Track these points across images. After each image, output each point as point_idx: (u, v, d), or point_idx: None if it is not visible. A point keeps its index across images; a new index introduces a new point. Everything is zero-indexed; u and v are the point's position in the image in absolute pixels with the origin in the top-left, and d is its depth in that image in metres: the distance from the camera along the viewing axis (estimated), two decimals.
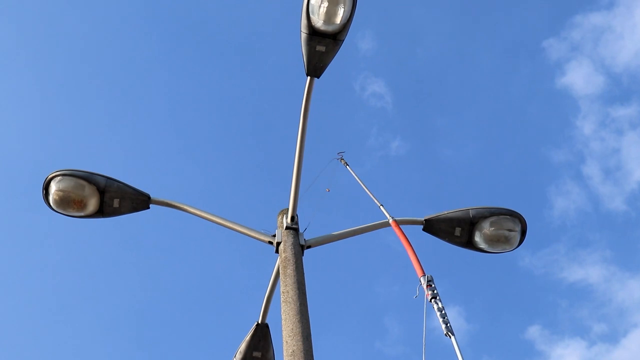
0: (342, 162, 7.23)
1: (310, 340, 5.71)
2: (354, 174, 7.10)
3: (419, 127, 23.30)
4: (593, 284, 23.19)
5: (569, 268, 23.15)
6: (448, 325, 5.19)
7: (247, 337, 7.29)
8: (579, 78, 23.05)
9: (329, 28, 6.24)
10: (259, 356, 7.32)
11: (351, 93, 22.80)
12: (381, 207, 6.67)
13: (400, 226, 6.41)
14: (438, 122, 23.22)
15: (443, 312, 5.28)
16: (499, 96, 23.50)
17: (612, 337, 23.41)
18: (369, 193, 6.86)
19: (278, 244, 6.53)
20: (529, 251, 21.93)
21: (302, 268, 6.31)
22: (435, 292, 5.41)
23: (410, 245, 6.06)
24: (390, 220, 6.48)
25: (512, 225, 7.15)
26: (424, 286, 5.48)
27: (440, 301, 5.33)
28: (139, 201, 7.09)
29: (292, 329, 5.75)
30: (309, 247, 6.60)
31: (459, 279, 21.26)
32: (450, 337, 5.13)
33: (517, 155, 23.05)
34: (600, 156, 22.98)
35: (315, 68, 6.47)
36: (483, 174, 22.56)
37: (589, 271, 23.27)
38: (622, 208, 22.80)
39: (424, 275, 5.60)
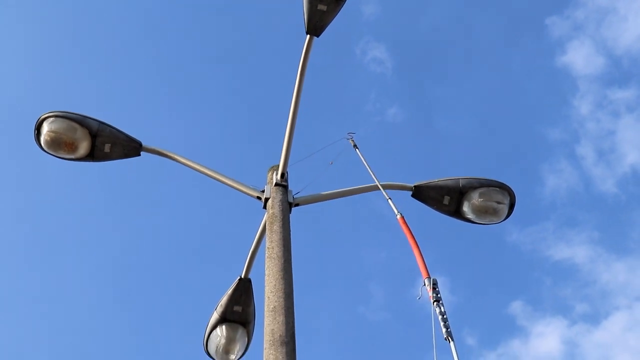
0: (352, 142, 7.17)
1: (292, 298, 5.73)
2: (362, 158, 7.03)
3: (418, 95, 23.25)
4: (579, 263, 23.32)
5: (556, 246, 23.26)
6: (449, 330, 5.21)
7: (229, 291, 7.31)
8: (580, 58, 23.00)
9: None
10: (240, 310, 7.35)
11: (352, 56, 22.71)
12: (389, 200, 6.59)
13: (406, 222, 6.34)
14: (436, 92, 23.18)
15: (445, 316, 5.29)
16: (498, 70, 23.47)
17: (594, 318, 23.57)
18: (376, 181, 6.79)
19: (266, 199, 6.53)
20: (517, 227, 22.01)
21: (289, 225, 6.31)
22: (438, 295, 5.41)
23: (417, 245, 6.01)
24: (398, 217, 6.43)
25: (501, 197, 7.17)
26: (428, 288, 5.47)
27: (443, 305, 5.34)
28: (130, 147, 7.07)
29: (274, 285, 5.77)
30: (297, 205, 6.60)
31: (447, 250, 21.33)
32: (450, 342, 5.16)
33: (513, 130, 23.07)
34: (595, 137, 23.01)
35: (315, 27, 6.44)
36: (478, 147, 22.57)
37: (576, 251, 23.40)
38: (612, 190, 22.89)
39: (429, 277, 5.57)
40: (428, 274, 5.62)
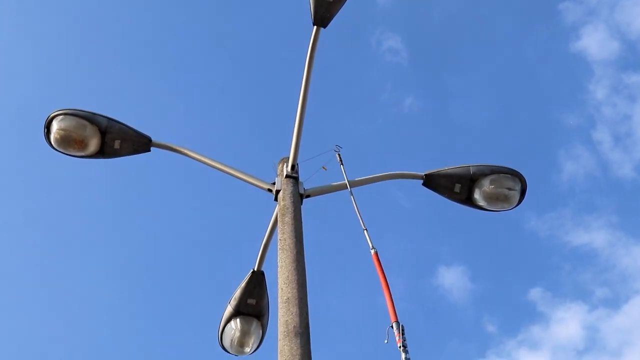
0: (338, 157, 7.09)
1: (306, 288, 5.73)
2: (345, 176, 6.95)
3: (433, 84, 23.23)
4: (597, 248, 23.30)
5: (574, 232, 23.23)
6: None
7: (243, 284, 7.32)
8: (594, 43, 22.95)
9: None
10: (254, 303, 7.36)
11: (367, 47, 22.71)
12: (365, 231, 6.45)
13: (379, 259, 6.17)
14: (452, 80, 23.15)
15: None
16: (513, 57, 23.44)
17: (614, 303, 23.56)
18: (355, 208, 6.67)
19: (277, 192, 6.53)
20: (535, 213, 22.00)
21: (300, 216, 6.31)
22: (405, 341, 5.44)
23: (388, 286, 5.91)
24: (372, 252, 6.28)
25: (512, 184, 7.15)
26: (396, 333, 5.47)
27: (408, 352, 5.38)
28: (140, 143, 7.08)
29: (287, 276, 5.77)
30: (308, 196, 6.59)
31: (466, 238, 21.36)
32: None
33: (529, 117, 23.03)
34: (611, 122, 22.96)
35: (322, 17, 6.44)
36: (494, 134, 22.56)
37: (594, 236, 23.37)
38: (630, 175, 22.84)
39: (397, 322, 5.55)
40: (397, 319, 5.58)
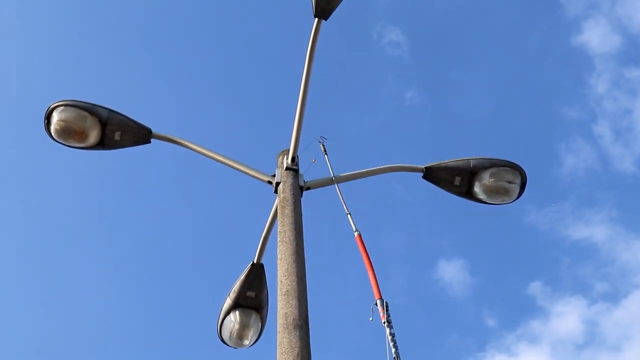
0: (322, 148, 7.10)
1: (305, 281, 5.73)
2: (329, 166, 6.98)
3: (434, 78, 23.23)
4: (597, 242, 23.33)
5: (574, 226, 23.25)
6: (397, 351, 5.30)
7: (242, 277, 7.32)
8: (595, 37, 22.95)
9: None
10: (253, 295, 7.37)
11: (368, 40, 22.70)
12: (348, 215, 6.55)
13: (362, 241, 6.30)
14: (453, 74, 23.14)
15: (394, 337, 5.37)
16: (514, 51, 23.43)
17: (614, 297, 23.60)
18: (340, 196, 6.72)
19: (277, 184, 6.52)
20: (535, 207, 22.00)
21: (300, 209, 6.31)
22: (389, 317, 5.48)
23: (371, 264, 6.00)
24: (355, 234, 6.38)
25: (512, 177, 7.14)
26: (380, 309, 5.53)
27: (393, 327, 5.43)
28: (140, 135, 7.07)
29: (287, 268, 5.77)
30: (308, 188, 6.60)
31: (465, 232, 21.38)
32: None
33: (530, 110, 23.03)
34: (612, 116, 22.96)
35: (323, 10, 6.43)
36: (495, 128, 22.57)
37: (594, 230, 23.38)
38: (631, 169, 22.86)
39: (381, 298, 5.63)
40: (380, 296, 5.65)
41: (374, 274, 5.88)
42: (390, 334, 5.37)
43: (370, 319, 5.55)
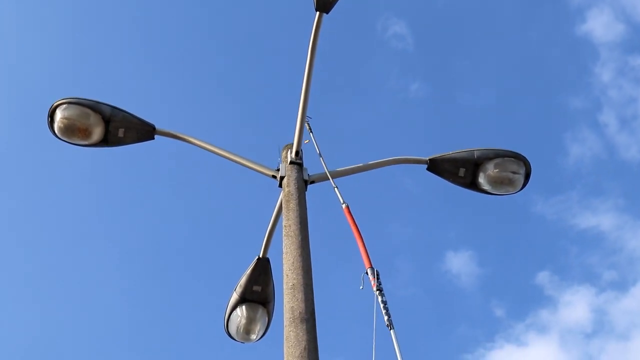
0: (308, 127, 7.12)
1: (311, 274, 5.74)
2: (316, 146, 7.00)
3: (439, 70, 23.21)
4: (605, 231, 23.30)
5: (581, 215, 23.22)
6: (390, 318, 5.31)
7: (248, 271, 7.32)
8: (599, 25, 22.90)
9: None
10: (259, 290, 7.37)
11: (373, 33, 22.68)
12: (335, 189, 6.59)
13: (350, 212, 6.34)
14: (458, 65, 23.13)
15: (386, 305, 5.39)
16: (518, 41, 23.41)
17: (622, 285, 23.61)
18: (326, 170, 6.76)
19: (282, 178, 6.53)
20: (542, 197, 21.99)
21: (305, 203, 6.32)
22: (380, 285, 5.51)
23: (360, 234, 6.03)
24: (343, 206, 6.42)
25: (517, 167, 7.14)
26: (370, 277, 5.55)
27: (384, 295, 5.45)
28: (143, 131, 7.07)
29: (292, 262, 5.78)
30: (312, 182, 6.61)
31: (472, 223, 21.38)
32: (390, 329, 5.25)
33: (535, 100, 23.00)
34: (617, 104, 22.91)
35: (324, 3, 6.42)
36: (500, 118, 22.57)
37: (601, 219, 23.35)
38: (637, 157, 22.81)
39: (372, 267, 5.65)
40: (371, 264, 5.69)
41: (364, 243, 5.92)
42: (382, 301, 5.39)
43: (361, 287, 5.58)
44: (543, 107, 23.26)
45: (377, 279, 5.55)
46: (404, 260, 21.16)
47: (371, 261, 5.73)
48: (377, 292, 5.47)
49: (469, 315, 22.40)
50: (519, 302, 23.25)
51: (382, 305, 5.38)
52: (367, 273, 5.63)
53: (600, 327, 23.34)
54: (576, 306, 23.42)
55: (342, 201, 6.48)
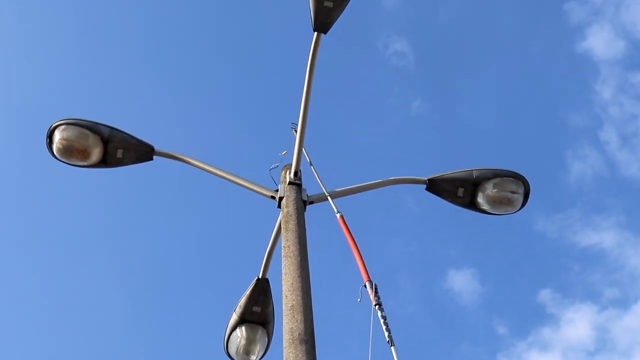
0: (294, 132, 7.11)
1: (310, 295, 5.73)
2: (306, 155, 7.00)
3: (440, 87, 23.30)
4: (606, 249, 23.31)
5: (583, 232, 23.23)
6: (390, 334, 5.25)
7: (248, 292, 7.31)
8: (600, 42, 23.00)
9: None
10: (259, 311, 7.35)
11: (374, 51, 22.77)
12: (328, 197, 6.56)
13: (345, 222, 6.26)
14: (458, 82, 23.22)
15: (386, 320, 5.32)
16: (519, 58, 23.50)
17: (624, 303, 23.56)
18: (317, 179, 6.75)
19: (280, 198, 6.53)
20: (543, 214, 22.01)
21: (304, 223, 6.31)
22: (379, 300, 5.43)
23: (357, 247, 5.95)
24: (338, 216, 6.38)
25: (515, 187, 7.14)
26: (369, 291, 5.47)
27: (384, 310, 5.37)
28: (142, 152, 7.08)
29: (292, 283, 5.77)
30: (311, 202, 6.61)
31: (474, 241, 21.40)
32: (391, 346, 5.19)
33: (536, 117, 23.08)
34: (618, 122, 22.97)
35: (322, 24, 6.43)
36: (501, 136, 22.65)
37: (603, 236, 23.36)
38: (638, 175, 22.86)
39: (370, 280, 5.57)
40: (369, 278, 5.60)
41: (361, 256, 5.84)
42: (382, 316, 5.33)
43: (359, 299, 5.51)
44: (544, 124, 23.33)
45: (376, 293, 5.49)
46: (405, 279, 21.17)
47: (369, 275, 5.64)
48: (376, 306, 5.40)
49: (471, 334, 22.37)
50: (521, 320, 23.24)
51: (382, 321, 5.32)
52: (365, 286, 5.57)
53: (602, 345, 23.30)
54: (578, 324, 23.40)
55: (336, 210, 6.46)
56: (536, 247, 22.92)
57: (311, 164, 6.97)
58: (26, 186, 21.62)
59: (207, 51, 23.02)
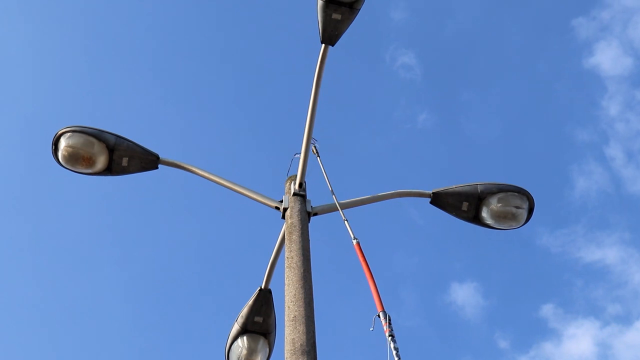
0: (314, 151, 7.10)
1: (312, 306, 5.73)
2: (323, 170, 6.99)
3: (447, 100, 23.34)
4: (610, 265, 23.28)
5: (587, 248, 23.21)
6: None
7: (250, 302, 7.31)
8: (607, 59, 23.03)
9: None
10: (261, 321, 7.35)
11: (381, 64, 22.81)
12: (345, 221, 6.52)
13: (362, 249, 6.17)
14: (465, 96, 23.26)
15: (398, 352, 5.28)
16: (526, 73, 23.53)
17: (626, 319, 23.50)
18: (335, 200, 6.72)
19: (285, 209, 6.54)
20: (547, 230, 22.00)
21: (308, 234, 6.32)
22: (392, 331, 5.39)
23: (372, 276, 5.85)
24: (354, 242, 6.32)
25: (520, 202, 7.14)
26: (383, 322, 5.43)
27: (396, 342, 5.33)
28: (147, 161, 7.09)
29: (294, 294, 5.77)
30: (315, 214, 6.61)
31: (477, 255, 21.38)
32: None
33: (542, 132, 23.10)
34: (624, 138, 22.99)
35: (330, 36, 6.44)
36: (507, 150, 22.67)
37: (607, 252, 23.34)
38: None
39: (384, 311, 5.51)
40: (383, 308, 5.54)
41: (375, 285, 5.77)
42: (395, 348, 5.31)
43: (371, 329, 5.49)
44: (550, 139, 23.34)
45: (389, 324, 5.44)
46: (409, 291, 21.15)
47: (383, 305, 5.56)
48: (390, 337, 5.37)
49: (473, 347, 22.32)
50: (523, 335, 23.19)
51: (394, 352, 5.29)
52: (379, 316, 5.52)
53: None
54: (580, 339, 23.34)
55: (352, 236, 6.36)
56: (539, 262, 22.91)
57: (326, 176, 6.96)
58: (31, 193, 21.65)
59: (214, 61, 23.07)
